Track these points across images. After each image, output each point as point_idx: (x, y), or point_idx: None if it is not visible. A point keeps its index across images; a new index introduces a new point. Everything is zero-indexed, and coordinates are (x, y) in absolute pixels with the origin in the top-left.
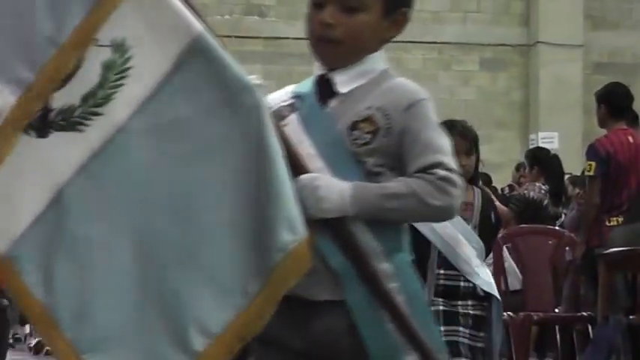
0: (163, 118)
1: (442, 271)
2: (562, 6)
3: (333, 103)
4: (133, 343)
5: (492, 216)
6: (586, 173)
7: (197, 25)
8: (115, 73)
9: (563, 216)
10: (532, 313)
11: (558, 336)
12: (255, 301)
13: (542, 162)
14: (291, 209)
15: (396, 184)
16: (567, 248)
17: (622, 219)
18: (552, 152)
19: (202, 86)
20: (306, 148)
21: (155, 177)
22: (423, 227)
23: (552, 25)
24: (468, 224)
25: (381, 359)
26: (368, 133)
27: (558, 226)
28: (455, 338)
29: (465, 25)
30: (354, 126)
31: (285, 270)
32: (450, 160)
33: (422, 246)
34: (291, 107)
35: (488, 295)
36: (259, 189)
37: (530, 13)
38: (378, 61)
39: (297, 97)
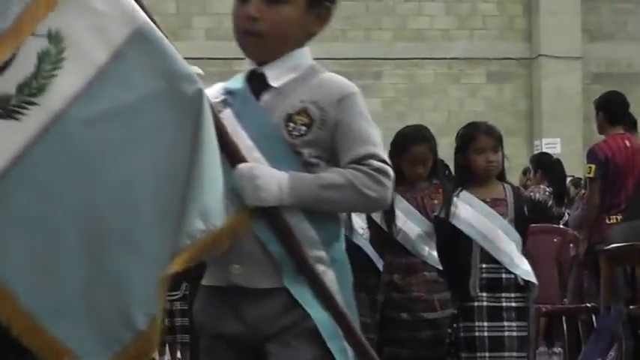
0: (103, 107)
1: (484, 265)
2: (561, 21)
3: (265, 96)
4: (85, 315)
5: (525, 209)
6: (586, 175)
7: (139, 16)
8: (49, 63)
9: (566, 215)
10: (540, 305)
11: (565, 326)
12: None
13: (545, 166)
14: (210, 199)
15: (332, 175)
16: (571, 245)
17: (620, 217)
18: (555, 157)
19: (143, 75)
20: (243, 141)
21: (95, 165)
22: (463, 226)
23: (553, 39)
24: (504, 219)
25: (330, 337)
26: (303, 125)
27: (562, 224)
28: (500, 333)
29: (472, 41)
30: (289, 118)
31: (187, 256)
32: (382, 152)
33: (464, 243)
34: (224, 103)
35: (527, 285)
36: (191, 176)
37: (532, 28)
38: (306, 55)
39: (229, 93)
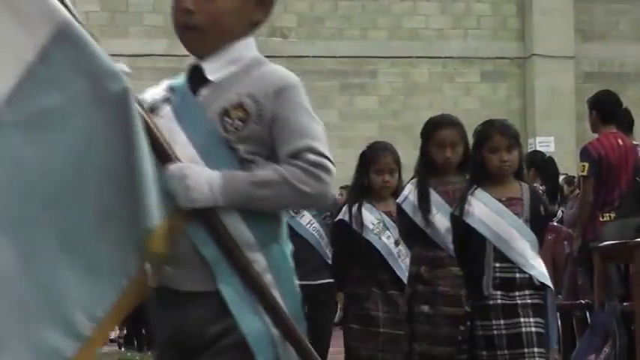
0: (32, 110)
1: (497, 265)
2: (554, 21)
3: (204, 91)
4: (21, 338)
5: (542, 209)
6: (579, 174)
7: (62, 14)
8: None
9: (560, 213)
10: None
11: (559, 322)
12: (134, 283)
13: (538, 164)
14: (154, 196)
15: (266, 172)
16: (565, 242)
17: (614, 215)
18: (548, 155)
19: (69, 75)
20: (178, 138)
21: (29, 168)
22: (477, 224)
23: (546, 39)
24: (519, 218)
25: (259, 350)
26: (239, 120)
27: (556, 222)
28: (517, 330)
29: (466, 40)
30: (225, 113)
31: (150, 253)
32: (322, 145)
33: (477, 242)
34: (166, 101)
35: (543, 285)
36: (129, 176)
37: (525, 28)
38: (248, 47)
39: (172, 89)
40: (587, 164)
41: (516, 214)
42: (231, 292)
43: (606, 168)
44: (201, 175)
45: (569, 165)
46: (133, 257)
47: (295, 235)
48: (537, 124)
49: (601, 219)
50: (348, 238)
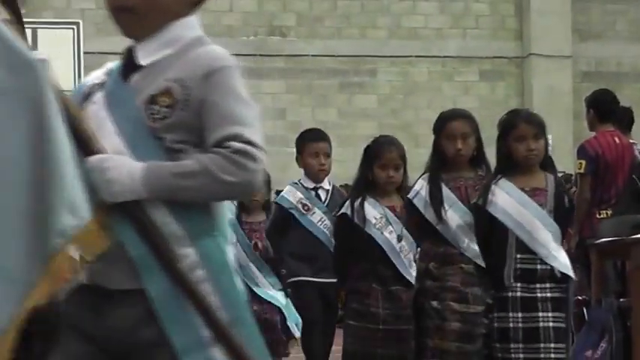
0: None
1: (519, 255)
2: (552, 21)
3: (135, 77)
4: None
5: (566, 200)
6: (577, 171)
7: None
8: None
9: None
10: None
11: None
12: (36, 291)
13: None
14: (75, 192)
15: (189, 162)
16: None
17: (611, 212)
18: None
19: None
20: (106, 126)
21: None
22: (500, 214)
23: (543, 39)
24: (543, 209)
25: (185, 352)
26: (166, 106)
27: None
28: (534, 324)
29: (465, 40)
30: (151, 100)
31: (66, 257)
32: (252, 132)
33: (500, 232)
34: (102, 85)
35: (565, 277)
36: (42, 170)
37: (523, 28)
38: (188, 27)
39: (109, 73)
40: (584, 162)
41: (540, 205)
42: (158, 290)
43: (603, 166)
44: (122, 167)
45: (567, 163)
46: (38, 264)
47: (306, 233)
48: None
49: (598, 216)
50: (349, 233)
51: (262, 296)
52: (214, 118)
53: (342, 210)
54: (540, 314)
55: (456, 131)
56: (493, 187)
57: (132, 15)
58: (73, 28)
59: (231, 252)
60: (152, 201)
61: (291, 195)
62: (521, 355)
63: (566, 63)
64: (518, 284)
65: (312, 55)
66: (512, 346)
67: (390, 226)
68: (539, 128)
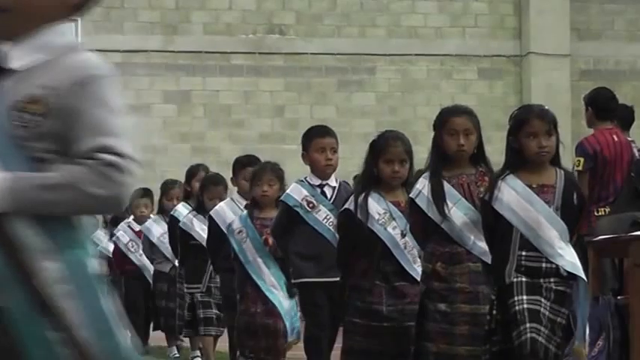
0: None
1: (524, 253)
2: (550, 20)
3: (7, 81)
4: None
5: (575, 197)
6: (575, 168)
7: None
8: None
9: None
10: None
11: None
12: None
13: None
14: None
15: (56, 174)
16: None
17: (609, 209)
18: None
19: None
20: None
21: None
22: (505, 211)
23: (542, 37)
24: (550, 206)
25: None
26: (33, 114)
27: None
28: (537, 307)
29: (464, 38)
30: (20, 107)
31: None
32: (123, 144)
33: (504, 229)
34: None
35: (572, 275)
36: None
37: (522, 26)
38: (60, 33)
39: None
40: (582, 159)
41: (547, 202)
42: (17, 306)
43: (601, 163)
44: None
45: (565, 161)
46: None
47: (312, 231)
48: None
49: (596, 213)
50: (352, 228)
51: (267, 296)
52: (84, 129)
53: (346, 205)
54: (543, 300)
55: (459, 127)
56: (500, 182)
57: (3, 15)
58: (70, 26)
59: (96, 265)
60: (15, 213)
61: (297, 192)
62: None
63: (565, 61)
64: (523, 277)
65: (311, 54)
66: (521, 327)
67: (394, 222)
68: (551, 124)
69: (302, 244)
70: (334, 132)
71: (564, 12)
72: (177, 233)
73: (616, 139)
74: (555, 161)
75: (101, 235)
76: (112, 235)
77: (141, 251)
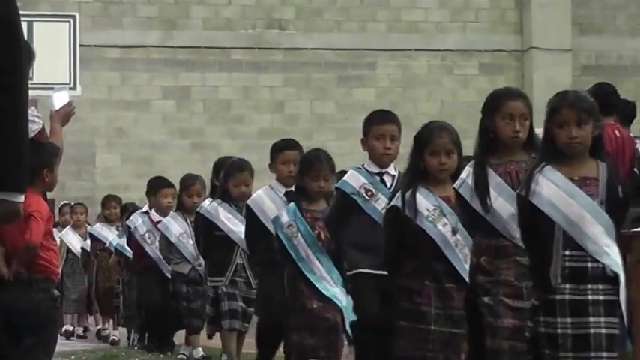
0: None
1: (567, 252)
2: (552, 14)
3: None
4: None
5: (619, 190)
6: None
7: None
8: None
9: None
10: None
11: None
12: None
13: None
14: None
15: None
16: None
17: None
18: None
19: None
20: None
21: None
22: (545, 206)
23: (543, 32)
24: (593, 200)
25: None
26: None
27: None
28: (584, 331)
29: (465, 33)
30: None
31: None
32: None
33: (545, 226)
34: None
35: (617, 276)
36: None
37: (523, 21)
38: None
39: None
40: None
41: (590, 196)
42: None
43: None
44: None
45: None
46: None
47: (369, 221)
48: (535, 116)
49: None
50: (400, 226)
51: (323, 292)
52: None
53: (393, 202)
54: (591, 319)
55: (515, 112)
56: (537, 175)
57: None
58: (69, 21)
59: None
60: None
61: (354, 180)
62: None
63: (567, 56)
64: (567, 285)
65: (311, 49)
66: (561, 354)
67: (444, 218)
68: (584, 114)
69: (358, 235)
70: (397, 118)
71: (566, 6)
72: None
73: (618, 134)
74: (596, 153)
75: (103, 230)
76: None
77: (157, 243)
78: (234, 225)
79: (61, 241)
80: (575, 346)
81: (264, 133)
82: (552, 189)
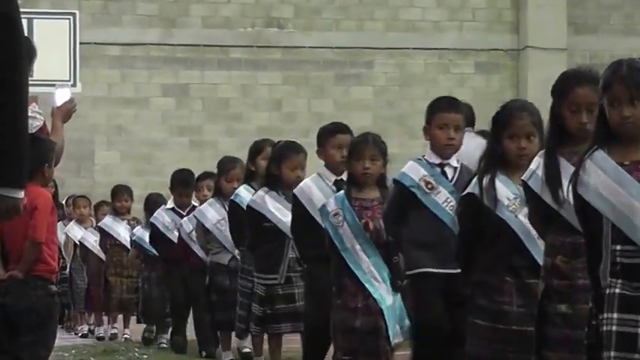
0: None
1: (618, 247)
2: (548, 14)
3: None
4: None
5: None
6: None
7: None
8: None
9: None
10: None
11: None
12: None
13: None
14: None
15: None
16: None
17: None
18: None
19: None
20: None
21: None
22: (592, 196)
23: (539, 32)
24: None
25: None
26: None
27: None
28: (634, 330)
29: (461, 32)
30: None
31: None
32: None
33: (593, 219)
34: None
35: None
36: None
37: (519, 21)
38: None
39: None
40: None
41: None
42: None
43: None
44: None
45: None
46: None
47: (429, 215)
48: None
49: None
50: (477, 216)
51: (368, 289)
52: None
53: (469, 189)
54: None
55: (583, 100)
56: (586, 161)
57: None
58: (69, 19)
59: None
60: None
61: (414, 171)
62: None
63: (562, 56)
64: (619, 281)
65: (310, 47)
66: (604, 354)
67: (526, 208)
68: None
69: (419, 230)
70: (462, 106)
71: (561, 6)
72: (239, 219)
73: None
74: None
75: (114, 224)
76: (147, 221)
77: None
78: (284, 215)
79: (67, 236)
80: (619, 345)
81: (263, 131)
82: (600, 176)
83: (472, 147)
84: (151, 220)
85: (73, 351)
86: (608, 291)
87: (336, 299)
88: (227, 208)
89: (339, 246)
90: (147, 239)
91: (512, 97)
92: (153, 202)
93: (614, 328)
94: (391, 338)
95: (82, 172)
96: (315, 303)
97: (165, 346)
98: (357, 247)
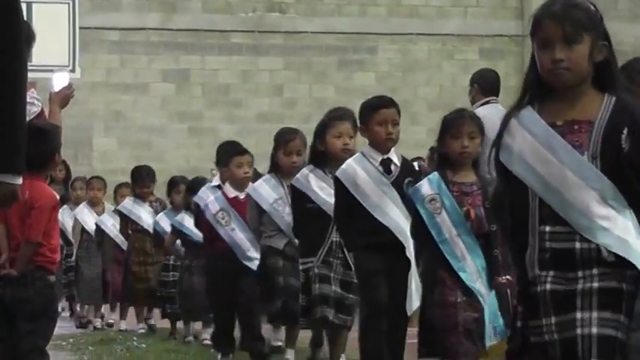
0: None
1: (547, 229)
2: None
3: None
4: None
5: (624, 136)
6: None
7: None
8: None
9: None
10: None
11: None
12: None
13: None
14: None
15: None
16: None
17: None
18: None
19: None
20: None
21: None
22: (516, 165)
23: None
24: (582, 154)
25: None
26: None
27: None
28: (571, 333)
29: (465, 18)
30: None
31: None
32: None
33: (517, 193)
34: None
35: (623, 261)
36: None
37: (524, 6)
38: None
39: None
40: None
41: (577, 147)
42: None
43: None
44: None
45: None
46: None
47: None
48: None
49: None
50: None
51: (468, 285)
52: None
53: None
54: (578, 315)
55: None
56: (511, 121)
57: None
58: (68, 3)
59: None
60: None
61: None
62: None
63: None
64: (550, 273)
65: (311, 32)
66: None
67: None
68: (574, 27)
69: None
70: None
71: None
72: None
73: None
74: (606, 83)
75: (135, 207)
76: (187, 207)
77: (233, 225)
78: (328, 196)
79: (76, 220)
80: (565, 355)
81: (263, 117)
82: (527, 139)
83: (497, 117)
84: (195, 199)
85: (71, 340)
86: (538, 288)
87: (429, 295)
88: (285, 187)
89: (437, 237)
90: (187, 223)
91: (517, 83)
92: (198, 185)
93: (555, 336)
94: (486, 339)
95: (79, 159)
96: (367, 301)
97: (208, 342)
98: (456, 238)
